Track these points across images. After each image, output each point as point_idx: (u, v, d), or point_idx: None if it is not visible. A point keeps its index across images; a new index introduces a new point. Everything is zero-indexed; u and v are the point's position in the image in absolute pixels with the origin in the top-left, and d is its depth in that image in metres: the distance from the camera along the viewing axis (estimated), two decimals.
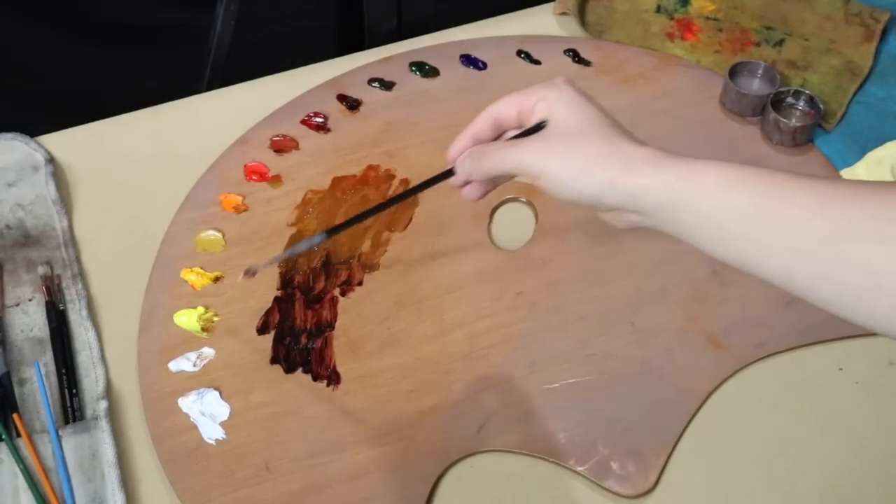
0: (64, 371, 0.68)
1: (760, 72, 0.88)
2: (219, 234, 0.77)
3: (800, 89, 0.86)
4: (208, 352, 0.70)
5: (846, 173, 0.82)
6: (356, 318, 0.72)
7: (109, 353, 0.70)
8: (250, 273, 0.64)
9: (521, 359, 0.70)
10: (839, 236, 0.45)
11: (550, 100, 0.54)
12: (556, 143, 0.53)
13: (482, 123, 0.57)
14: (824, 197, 0.46)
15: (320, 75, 0.90)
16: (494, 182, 0.58)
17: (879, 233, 0.44)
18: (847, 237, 0.45)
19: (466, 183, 0.59)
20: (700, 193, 0.49)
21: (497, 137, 0.58)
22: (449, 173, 0.59)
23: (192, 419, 0.66)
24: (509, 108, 0.56)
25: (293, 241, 0.77)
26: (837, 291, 0.46)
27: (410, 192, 0.63)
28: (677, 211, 0.50)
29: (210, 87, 0.96)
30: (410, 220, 0.79)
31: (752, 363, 0.70)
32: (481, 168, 0.56)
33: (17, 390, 0.67)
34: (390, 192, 0.81)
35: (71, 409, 0.66)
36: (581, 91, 0.55)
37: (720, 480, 0.65)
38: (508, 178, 0.57)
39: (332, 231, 0.62)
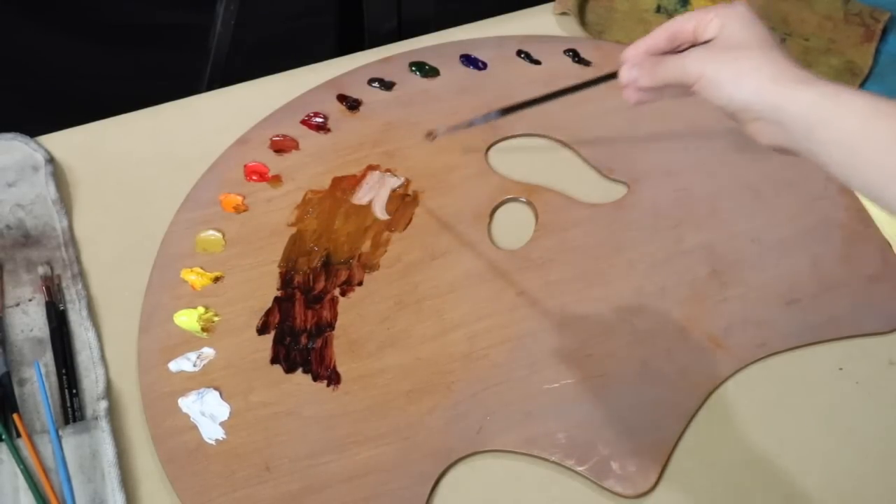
0: (64, 371, 0.68)
1: None
2: (219, 234, 0.77)
3: None
4: (208, 352, 0.70)
5: None
6: (356, 318, 0.72)
7: (109, 353, 0.70)
8: (432, 136, 0.76)
9: (521, 359, 0.70)
10: None
11: (723, 16, 0.57)
12: (719, 52, 0.56)
13: (659, 35, 0.60)
14: None
15: (320, 75, 0.90)
16: (658, 93, 0.61)
17: None
18: None
19: (627, 87, 0.62)
20: (842, 115, 0.52)
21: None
22: (613, 75, 0.62)
23: (192, 419, 0.66)
24: (686, 23, 0.59)
25: (293, 241, 0.77)
26: None
27: (575, 88, 0.65)
28: (816, 128, 0.52)
29: (210, 87, 0.96)
30: (410, 220, 0.79)
31: (752, 363, 0.70)
32: (649, 75, 0.59)
33: (17, 390, 0.67)
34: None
35: (71, 409, 0.66)
36: (756, 15, 0.57)
37: (720, 480, 0.65)
38: (672, 89, 0.59)
39: (506, 111, 0.69)
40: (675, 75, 0.57)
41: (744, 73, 0.54)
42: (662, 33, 0.60)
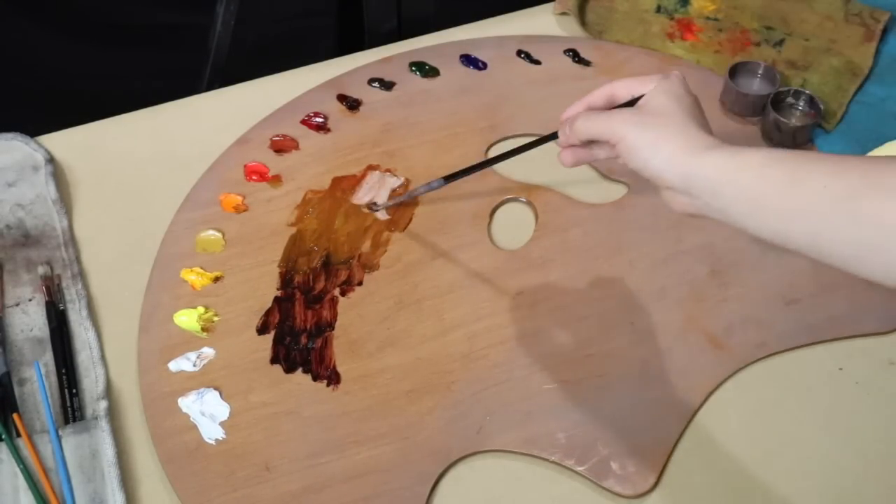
0: (64, 371, 0.68)
1: (760, 72, 0.88)
2: (219, 234, 0.77)
3: (800, 89, 0.86)
4: (208, 352, 0.70)
5: None
6: (356, 318, 0.72)
7: (109, 353, 0.70)
8: (373, 209, 0.78)
9: (521, 359, 0.70)
10: (854, 196, 0.49)
11: (660, 86, 0.61)
12: (643, 117, 0.60)
13: (598, 95, 0.64)
14: (847, 165, 0.51)
15: (320, 75, 0.90)
16: (588, 153, 0.64)
17: (890, 188, 0.48)
18: (860, 196, 0.49)
19: (567, 147, 0.65)
20: (741, 170, 0.54)
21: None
22: (554, 136, 0.66)
23: (192, 419, 0.66)
24: (625, 88, 0.63)
25: (293, 241, 0.77)
26: (854, 250, 0.50)
27: (518, 151, 0.69)
28: (719, 188, 0.55)
29: (210, 87, 0.96)
30: (410, 220, 0.79)
31: (752, 363, 0.70)
32: (577, 130, 0.62)
33: (17, 390, 0.67)
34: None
35: (71, 409, 0.66)
36: (687, 88, 0.62)
37: (720, 480, 0.65)
38: (600, 149, 0.63)
39: (450, 178, 0.73)
40: (601, 133, 0.61)
41: (659, 141, 0.58)
42: (602, 92, 0.64)
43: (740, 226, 0.55)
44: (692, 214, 0.58)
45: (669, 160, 0.57)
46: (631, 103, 0.62)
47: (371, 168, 0.82)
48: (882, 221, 0.48)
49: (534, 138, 0.68)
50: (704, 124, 0.60)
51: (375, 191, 0.81)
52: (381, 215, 0.79)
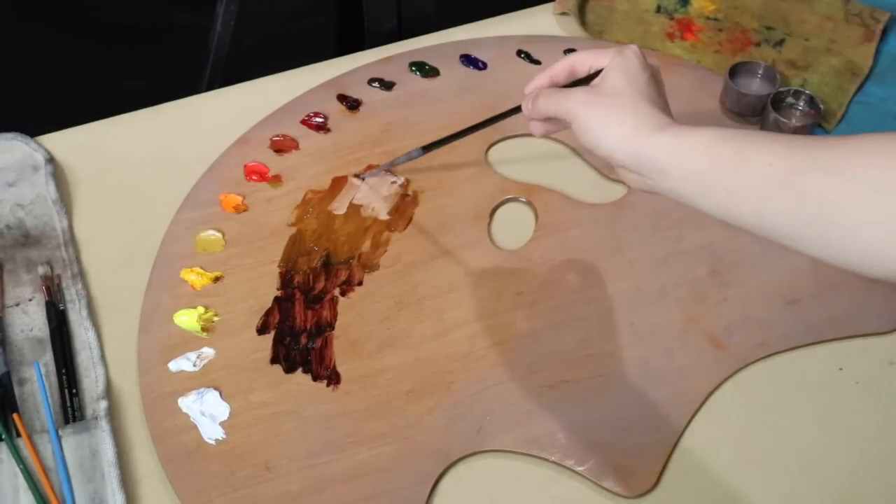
0: (64, 371, 0.68)
1: (760, 72, 0.88)
2: (219, 234, 0.77)
3: (800, 89, 0.86)
4: (208, 352, 0.70)
5: None
6: (356, 318, 0.72)
7: (109, 353, 0.70)
8: (360, 177, 0.80)
9: (521, 359, 0.70)
10: (799, 174, 0.50)
11: (614, 62, 0.62)
12: (596, 96, 0.60)
13: (559, 68, 0.66)
14: (793, 144, 0.51)
15: (320, 75, 0.90)
16: (555, 124, 0.65)
17: (833, 167, 0.49)
18: (805, 173, 0.49)
19: (532, 120, 0.66)
20: (689, 149, 0.55)
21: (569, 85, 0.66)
22: (518, 109, 0.67)
23: (192, 419, 0.66)
24: (584, 62, 0.65)
25: (293, 241, 0.77)
26: (798, 226, 0.50)
27: (486, 123, 0.71)
28: (668, 167, 0.55)
29: (210, 87, 0.96)
30: (410, 220, 0.79)
31: (752, 363, 0.70)
32: (537, 108, 0.64)
33: (17, 390, 0.67)
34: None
35: (71, 409, 0.66)
36: (644, 62, 0.62)
37: (720, 480, 0.65)
38: (563, 122, 0.63)
39: (429, 147, 0.74)
40: (557, 111, 0.62)
41: (610, 121, 0.59)
42: (563, 65, 0.65)
43: (690, 204, 0.55)
44: (646, 191, 0.58)
45: (619, 140, 0.58)
46: (591, 77, 0.63)
47: (371, 168, 0.82)
48: (824, 198, 0.48)
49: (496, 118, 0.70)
50: (658, 102, 0.60)
51: (375, 190, 0.81)
52: (382, 215, 0.79)
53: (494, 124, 0.71)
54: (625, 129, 0.58)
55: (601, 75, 0.62)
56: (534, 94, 0.65)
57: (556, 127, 0.65)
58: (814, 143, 0.51)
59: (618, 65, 0.61)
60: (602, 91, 0.61)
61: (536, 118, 0.65)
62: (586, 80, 0.64)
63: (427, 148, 0.74)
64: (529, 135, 0.85)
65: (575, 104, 0.60)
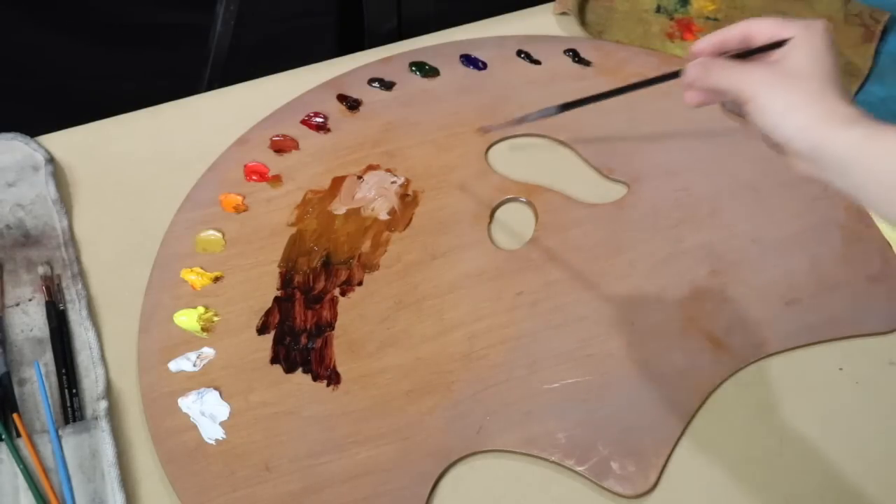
0: (64, 371, 0.68)
1: None
2: (219, 234, 0.77)
3: None
4: (208, 352, 0.70)
5: None
6: (356, 318, 0.72)
7: (109, 353, 0.70)
8: (485, 131, 0.78)
9: (521, 359, 0.70)
10: None
11: (800, 38, 0.56)
12: (778, 77, 0.55)
13: (734, 32, 0.59)
14: None
15: (320, 75, 0.90)
16: (716, 96, 0.59)
17: None
18: None
19: (690, 88, 0.60)
20: (879, 155, 0.51)
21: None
22: (676, 74, 0.60)
23: (192, 419, 0.66)
24: (764, 30, 0.58)
25: (293, 241, 0.77)
26: None
27: (636, 86, 0.63)
28: (853, 166, 0.52)
29: (210, 87, 0.96)
30: (410, 220, 0.79)
31: (752, 363, 0.70)
32: (707, 78, 0.58)
33: (17, 390, 0.67)
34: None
35: (71, 409, 0.66)
36: (830, 41, 0.56)
37: (720, 480, 0.65)
38: (729, 96, 0.58)
39: (567, 106, 0.65)
40: (731, 87, 0.57)
41: (793, 107, 0.54)
42: (739, 30, 0.59)
43: (868, 207, 0.52)
44: (813, 178, 0.55)
45: (801, 129, 0.53)
46: (767, 48, 0.57)
47: (371, 168, 0.82)
48: None
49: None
50: (842, 88, 0.55)
51: (376, 189, 0.81)
52: (382, 215, 0.79)
53: (650, 86, 0.63)
54: (810, 118, 0.53)
55: (783, 52, 0.56)
56: (702, 60, 0.58)
57: (716, 99, 0.59)
58: None
59: (804, 41, 0.56)
60: (786, 71, 0.55)
61: (703, 88, 0.59)
62: (761, 51, 0.58)
63: (565, 107, 0.65)
64: (529, 135, 0.85)
65: (755, 83, 0.55)
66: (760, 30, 0.58)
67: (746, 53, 0.58)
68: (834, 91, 0.54)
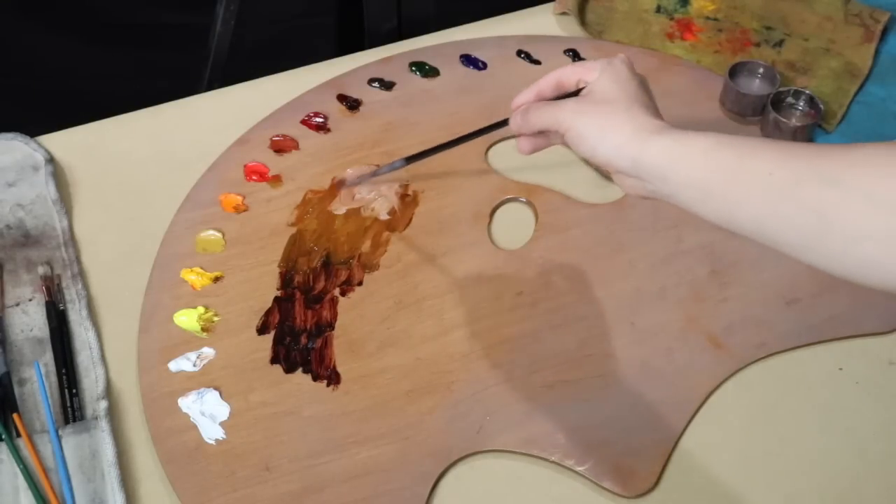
0: (64, 371, 0.68)
1: (760, 72, 0.88)
2: (219, 234, 0.77)
3: (800, 89, 0.86)
4: (208, 352, 0.70)
5: None
6: (356, 318, 0.72)
7: (109, 353, 0.70)
8: (339, 187, 0.77)
9: (521, 359, 0.70)
10: (799, 184, 0.49)
11: (602, 72, 0.61)
12: (589, 106, 0.60)
13: (546, 82, 0.65)
14: (792, 153, 0.51)
15: (320, 75, 0.90)
16: (544, 139, 0.65)
17: (833, 178, 0.48)
18: (805, 184, 0.49)
19: (520, 136, 0.66)
20: (688, 155, 0.55)
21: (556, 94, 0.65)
22: (505, 122, 0.67)
23: (192, 419, 0.66)
24: (571, 76, 0.64)
25: (293, 241, 0.77)
26: (799, 236, 0.50)
27: (472, 135, 0.69)
28: (668, 172, 0.55)
29: (210, 87, 0.96)
30: (410, 220, 0.79)
31: (752, 363, 0.70)
32: (528, 122, 0.63)
33: (17, 390, 0.67)
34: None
35: (71, 409, 0.66)
36: (632, 70, 0.62)
37: (720, 480, 0.65)
38: (554, 136, 0.63)
39: (411, 158, 0.71)
40: (549, 124, 0.61)
41: (606, 129, 0.58)
42: (550, 80, 0.65)
43: (690, 210, 0.55)
44: (644, 197, 0.58)
45: (617, 147, 0.57)
46: (580, 91, 0.62)
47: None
48: (822, 210, 0.48)
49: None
50: (651, 106, 0.60)
51: (376, 188, 0.81)
52: (382, 215, 0.79)
53: (481, 136, 0.69)
54: (622, 135, 0.57)
55: (591, 86, 0.61)
56: (522, 108, 0.64)
57: (546, 142, 0.65)
58: (815, 152, 0.50)
59: (607, 74, 0.61)
60: (594, 99, 0.60)
61: (526, 132, 0.64)
62: (575, 94, 0.63)
63: (410, 159, 0.72)
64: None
65: (568, 114, 0.60)
66: (568, 75, 0.64)
67: (561, 97, 0.64)
68: (640, 109, 0.59)
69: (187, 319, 0.72)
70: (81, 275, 0.74)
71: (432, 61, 0.91)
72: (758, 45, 0.94)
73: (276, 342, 0.71)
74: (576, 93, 0.63)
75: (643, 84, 0.62)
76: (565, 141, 0.61)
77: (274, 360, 0.70)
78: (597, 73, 0.62)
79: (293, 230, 0.78)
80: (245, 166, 0.82)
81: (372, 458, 0.65)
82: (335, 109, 0.87)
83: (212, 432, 0.66)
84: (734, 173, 0.52)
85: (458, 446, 0.66)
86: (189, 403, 0.67)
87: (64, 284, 0.73)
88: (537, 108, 0.63)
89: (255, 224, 0.78)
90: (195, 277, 0.74)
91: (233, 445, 0.65)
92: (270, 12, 1.07)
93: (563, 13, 0.96)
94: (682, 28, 0.96)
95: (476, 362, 0.70)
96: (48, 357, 0.69)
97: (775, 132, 0.84)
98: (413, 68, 0.91)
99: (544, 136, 0.64)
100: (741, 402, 0.69)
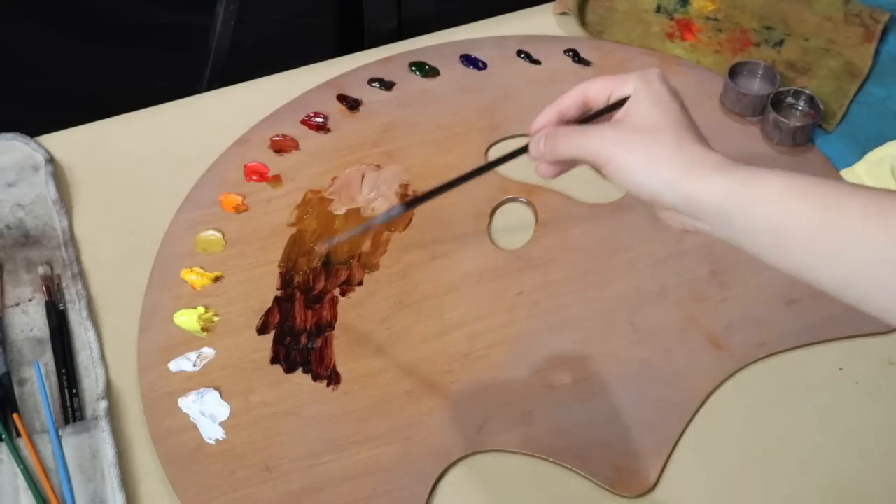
0: (64, 371, 0.68)
1: (760, 72, 0.88)
2: (219, 234, 0.77)
3: (800, 89, 0.86)
4: (208, 352, 0.70)
5: (846, 173, 0.82)
6: (356, 318, 0.72)
7: (109, 353, 0.70)
8: (323, 247, 0.72)
9: (521, 359, 0.70)
10: None
11: (640, 91, 0.54)
12: (629, 134, 0.53)
13: (570, 100, 0.57)
14: (883, 206, 0.46)
15: (320, 75, 0.90)
16: (569, 164, 0.57)
17: None
18: None
19: (541, 161, 0.58)
20: (760, 199, 0.49)
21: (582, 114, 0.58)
22: (524, 149, 0.58)
23: (192, 419, 0.66)
24: (601, 92, 0.56)
25: (293, 241, 0.77)
26: (894, 301, 0.46)
27: (489, 166, 0.60)
28: (735, 215, 0.50)
29: (210, 87, 0.96)
30: (410, 220, 0.79)
31: (752, 363, 0.70)
32: (554, 151, 0.56)
33: (17, 390, 0.67)
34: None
35: (71, 409, 0.66)
36: (670, 88, 0.55)
37: (720, 480, 0.65)
38: (582, 162, 0.56)
39: (411, 203, 0.63)
40: (585, 154, 0.54)
41: (655, 162, 0.52)
42: (572, 102, 0.57)
43: (755, 255, 0.50)
44: (691, 231, 0.53)
45: (669, 183, 0.51)
46: (612, 109, 0.56)
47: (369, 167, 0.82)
48: None
49: (517, 147, 0.59)
50: (698, 133, 0.54)
51: (378, 188, 0.80)
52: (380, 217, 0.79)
53: (490, 170, 0.61)
54: (674, 171, 0.51)
55: (627, 108, 0.54)
56: (545, 132, 0.56)
57: (572, 166, 0.57)
58: None
59: (645, 93, 0.54)
60: (635, 126, 0.53)
61: (552, 160, 0.56)
62: (604, 112, 0.56)
63: (409, 204, 0.64)
64: (529, 135, 0.85)
65: (608, 144, 0.53)
66: (597, 92, 0.56)
67: (590, 118, 0.56)
68: (691, 139, 0.53)
69: (187, 319, 0.72)
70: (81, 275, 0.74)
71: (432, 61, 0.91)
72: (758, 45, 0.94)
73: (276, 342, 0.71)
74: (607, 111, 0.56)
75: (684, 105, 0.55)
76: (604, 173, 0.54)
77: (274, 360, 0.70)
78: (630, 89, 0.55)
79: (293, 230, 0.78)
80: (245, 166, 0.82)
81: (372, 458, 0.65)
82: (335, 109, 0.87)
83: (212, 432, 0.66)
84: (819, 225, 0.47)
85: (458, 446, 0.66)
86: (189, 403, 0.67)
87: (64, 284, 0.73)
88: (567, 136, 0.55)
89: (255, 224, 0.78)
90: (195, 277, 0.74)
91: (233, 445, 0.65)
92: (270, 12, 1.07)
93: (563, 13, 0.96)
94: (682, 28, 0.96)
95: (476, 362, 0.70)
96: (48, 357, 0.69)
97: (775, 132, 0.84)
98: (413, 68, 0.91)
99: (569, 162, 0.57)
100: (741, 402, 0.69)
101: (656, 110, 0.53)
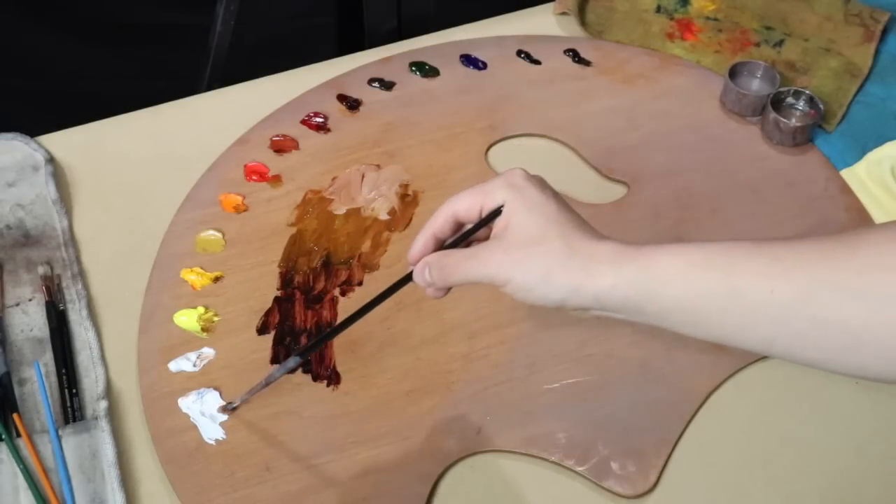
0: (64, 371, 0.68)
1: (760, 72, 0.88)
2: (219, 234, 0.77)
3: (800, 89, 0.86)
4: (208, 352, 0.70)
5: (846, 173, 0.82)
6: None
7: (109, 353, 0.70)
8: (229, 409, 0.66)
9: (521, 359, 0.70)
10: (809, 300, 0.46)
11: (511, 202, 0.54)
12: (517, 251, 0.53)
13: (442, 220, 0.57)
14: (787, 262, 0.47)
15: (320, 75, 0.90)
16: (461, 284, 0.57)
17: (848, 289, 0.45)
18: (817, 299, 0.45)
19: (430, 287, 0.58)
20: (664, 283, 0.50)
21: (456, 231, 0.58)
22: (409, 278, 0.58)
23: (192, 419, 0.66)
24: (471, 207, 0.56)
25: (293, 241, 0.77)
26: (819, 351, 0.47)
27: (373, 304, 0.60)
28: (644, 304, 0.51)
29: (210, 87, 0.96)
30: (410, 220, 0.79)
31: (752, 363, 0.70)
32: (445, 281, 0.56)
33: (17, 390, 0.67)
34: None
35: (71, 409, 0.66)
36: (540, 187, 0.55)
37: (720, 480, 0.65)
38: (480, 284, 0.56)
39: (306, 350, 0.65)
40: (477, 279, 0.55)
41: (552, 273, 0.52)
42: (444, 221, 0.57)
43: (674, 332, 0.51)
44: (609, 319, 0.54)
45: (572, 288, 0.52)
46: (484, 222, 0.56)
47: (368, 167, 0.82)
48: (847, 324, 0.45)
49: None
50: (582, 225, 0.54)
51: (378, 188, 0.81)
52: (382, 215, 0.79)
53: (377, 305, 0.60)
54: (572, 276, 0.52)
55: (503, 220, 0.54)
56: (428, 262, 0.56)
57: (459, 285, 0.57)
58: (813, 258, 0.46)
59: (517, 202, 0.53)
60: (520, 241, 0.53)
61: (443, 287, 0.56)
62: (480, 227, 0.56)
63: (303, 353, 0.65)
64: (529, 135, 0.85)
65: (501, 267, 0.53)
66: (466, 207, 0.56)
67: (467, 234, 0.56)
68: (579, 236, 0.53)
69: (187, 319, 0.72)
70: (81, 275, 0.74)
71: (432, 61, 0.91)
72: (758, 45, 0.94)
73: (276, 342, 0.71)
74: (481, 224, 0.56)
75: (558, 197, 0.55)
76: (504, 291, 0.54)
77: (274, 361, 0.70)
78: (500, 198, 0.54)
79: (293, 230, 0.78)
80: (245, 166, 0.82)
81: (372, 458, 0.65)
82: (335, 109, 0.87)
83: (212, 432, 0.66)
84: (728, 295, 0.48)
85: (458, 446, 0.66)
86: (189, 403, 0.67)
87: (64, 284, 0.73)
88: (457, 265, 0.55)
89: (255, 224, 0.78)
90: (195, 277, 0.74)
91: (233, 445, 0.65)
92: (270, 12, 1.07)
93: (563, 13, 0.96)
94: (682, 28, 0.96)
95: (476, 362, 0.70)
96: (48, 357, 0.69)
97: (775, 132, 0.84)
98: (413, 68, 0.91)
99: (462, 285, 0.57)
100: (741, 402, 0.69)
101: (534, 218, 0.53)
